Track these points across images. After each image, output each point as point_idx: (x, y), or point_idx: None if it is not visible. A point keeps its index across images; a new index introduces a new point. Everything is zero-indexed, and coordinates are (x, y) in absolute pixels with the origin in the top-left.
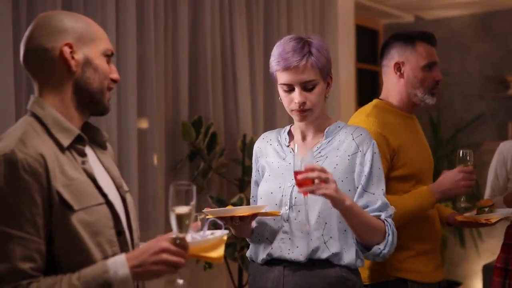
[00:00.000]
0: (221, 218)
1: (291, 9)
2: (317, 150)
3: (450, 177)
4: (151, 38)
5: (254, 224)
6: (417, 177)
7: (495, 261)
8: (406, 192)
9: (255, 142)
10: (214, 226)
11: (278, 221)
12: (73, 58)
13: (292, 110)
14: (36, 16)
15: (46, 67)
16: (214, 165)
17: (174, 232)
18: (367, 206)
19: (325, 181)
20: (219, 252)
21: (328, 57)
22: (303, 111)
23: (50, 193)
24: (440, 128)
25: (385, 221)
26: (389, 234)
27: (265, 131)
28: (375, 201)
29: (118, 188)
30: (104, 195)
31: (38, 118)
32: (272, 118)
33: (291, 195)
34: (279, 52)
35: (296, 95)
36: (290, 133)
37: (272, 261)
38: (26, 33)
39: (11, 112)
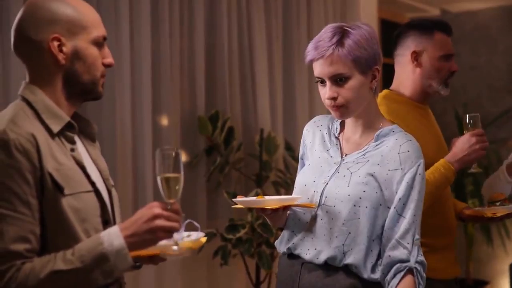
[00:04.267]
0: (252, 208)
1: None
2: (363, 151)
3: (463, 143)
4: (166, 31)
5: (288, 212)
6: (427, 168)
7: None
8: None
9: (273, 136)
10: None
11: (307, 216)
12: (61, 51)
13: (328, 106)
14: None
15: (35, 58)
16: (231, 160)
17: (163, 198)
18: (395, 231)
19: None
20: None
21: (369, 48)
22: (337, 107)
23: (42, 174)
24: None
25: (414, 269)
26: (420, 284)
27: (284, 125)
28: (404, 227)
29: (105, 180)
30: (92, 183)
31: (29, 103)
32: (292, 112)
33: (322, 193)
34: (313, 41)
35: (326, 89)
36: (342, 123)
37: (292, 255)
38: (16, 21)
39: None
